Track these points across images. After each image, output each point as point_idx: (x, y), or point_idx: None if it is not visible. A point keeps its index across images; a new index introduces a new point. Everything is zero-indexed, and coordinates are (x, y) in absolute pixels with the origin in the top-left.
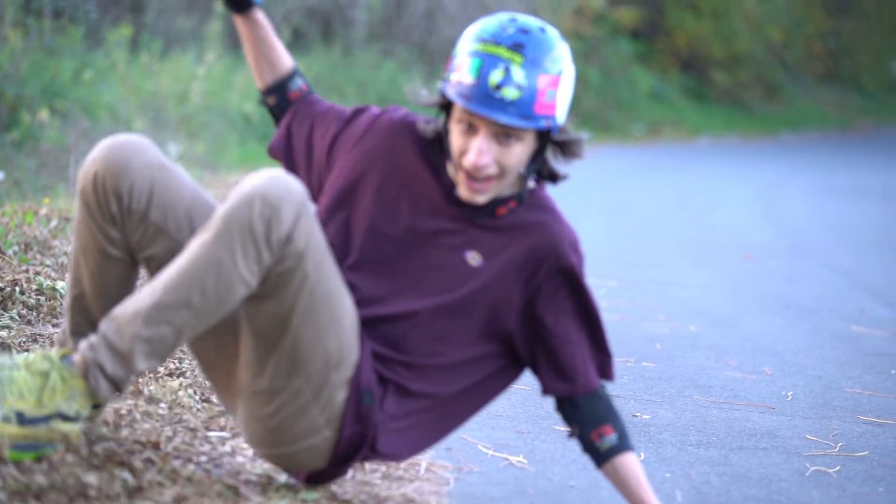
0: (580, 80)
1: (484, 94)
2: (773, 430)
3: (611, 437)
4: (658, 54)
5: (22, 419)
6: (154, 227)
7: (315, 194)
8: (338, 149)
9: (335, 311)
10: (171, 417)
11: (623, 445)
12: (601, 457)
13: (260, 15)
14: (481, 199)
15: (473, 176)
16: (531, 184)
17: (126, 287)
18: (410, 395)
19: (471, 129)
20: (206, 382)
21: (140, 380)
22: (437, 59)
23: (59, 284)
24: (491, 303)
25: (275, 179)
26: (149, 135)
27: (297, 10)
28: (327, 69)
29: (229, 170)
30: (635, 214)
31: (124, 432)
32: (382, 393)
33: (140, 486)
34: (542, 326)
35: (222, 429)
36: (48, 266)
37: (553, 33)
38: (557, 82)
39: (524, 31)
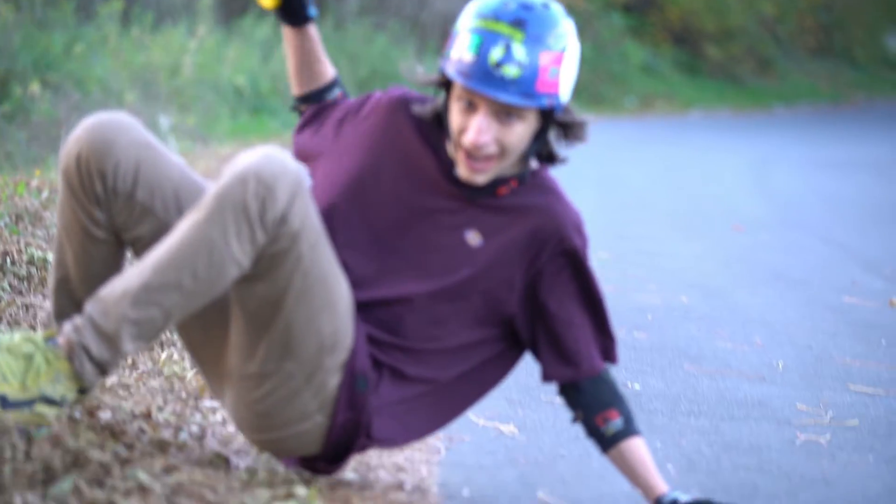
0: None
1: (484, 72)
2: (763, 399)
3: (616, 422)
4: (650, 28)
5: (5, 403)
6: (140, 208)
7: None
8: (343, 130)
9: (330, 294)
10: (162, 386)
11: (629, 430)
12: (606, 442)
13: (313, 29)
14: (481, 178)
15: (473, 155)
16: (533, 165)
17: (112, 269)
18: (407, 379)
19: (471, 108)
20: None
21: None
22: (429, 33)
23: (50, 255)
24: (491, 285)
25: (270, 157)
26: (140, 107)
27: None
28: None
29: (221, 142)
30: (627, 187)
31: (115, 402)
32: (378, 378)
33: (131, 454)
34: (545, 310)
35: (213, 398)
36: (39, 237)
37: (557, 9)
38: (560, 60)
39: (526, 6)
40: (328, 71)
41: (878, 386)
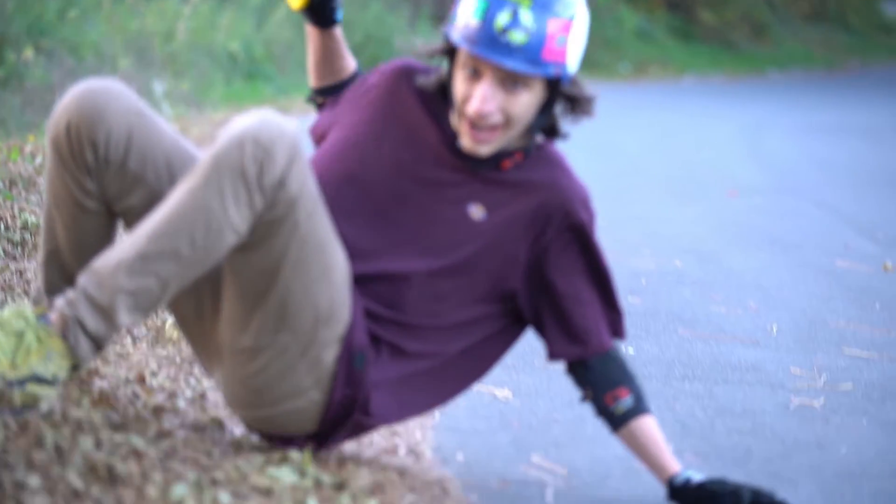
0: None
1: (489, 38)
2: (757, 363)
3: (626, 400)
4: None
5: None
6: (132, 177)
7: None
8: (349, 103)
9: (327, 264)
10: (155, 351)
11: (640, 408)
12: (616, 421)
13: (338, 30)
14: (485, 150)
15: (477, 124)
16: (539, 138)
17: (104, 241)
18: (406, 355)
19: (475, 75)
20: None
21: None
22: None
23: None
24: (495, 261)
25: (266, 120)
26: (134, 73)
27: None
28: None
29: (215, 108)
30: (621, 152)
31: (109, 368)
32: (376, 353)
33: (124, 419)
34: (552, 287)
35: (205, 375)
36: (33, 203)
37: None
38: (569, 27)
39: None
40: (349, 66)
41: (871, 349)
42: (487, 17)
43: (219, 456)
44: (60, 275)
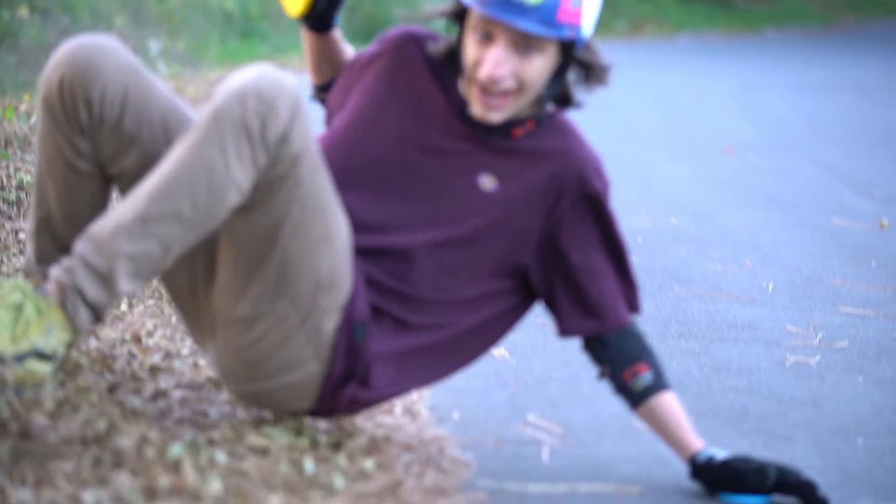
0: None
1: None
2: (753, 321)
3: (645, 376)
4: None
5: None
6: (128, 137)
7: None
8: (350, 70)
9: (328, 227)
10: (152, 311)
11: (660, 384)
12: (636, 397)
13: (336, 31)
14: (496, 117)
15: (488, 90)
16: (550, 107)
17: (98, 206)
18: (410, 328)
19: (487, 39)
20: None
21: None
22: None
23: None
24: (507, 234)
25: (266, 75)
26: (129, 32)
27: None
28: None
29: (210, 66)
30: (617, 110)
31: (105, 329)
32: (378, 325)
33: (120, 380)
34: (567, 260)
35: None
36: (28, 162)
37: None
38: None
39: None
40: (348, 57)
41: (867, 307)
42: None
43: (215, 416)
44: (52, 244)
